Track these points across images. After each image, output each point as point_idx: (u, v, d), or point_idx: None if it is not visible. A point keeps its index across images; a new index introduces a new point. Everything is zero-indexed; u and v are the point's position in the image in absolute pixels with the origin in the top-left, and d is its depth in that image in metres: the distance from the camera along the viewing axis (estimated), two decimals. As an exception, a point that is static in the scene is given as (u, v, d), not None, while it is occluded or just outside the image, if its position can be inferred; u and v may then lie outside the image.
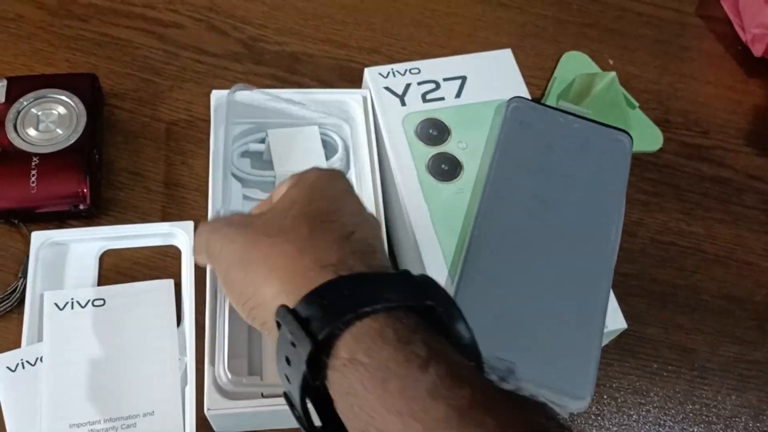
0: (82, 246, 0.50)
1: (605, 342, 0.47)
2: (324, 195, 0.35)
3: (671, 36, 0.69)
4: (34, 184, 0.49)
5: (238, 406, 0.41)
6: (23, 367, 0.45)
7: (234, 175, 0.51)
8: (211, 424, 0.43)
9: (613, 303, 0.45)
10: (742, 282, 0.57)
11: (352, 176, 0.51)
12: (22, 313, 0.47)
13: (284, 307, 0.30)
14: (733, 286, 0.56)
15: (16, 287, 0.48)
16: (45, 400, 0.44)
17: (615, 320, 0.45)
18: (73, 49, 0.59)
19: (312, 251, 0.32)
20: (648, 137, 0.61)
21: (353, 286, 0.30)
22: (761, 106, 0.66)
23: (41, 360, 0.45)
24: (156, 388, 0.45)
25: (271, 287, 0.31)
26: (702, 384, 0.53)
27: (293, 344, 0.29)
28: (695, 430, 0.51)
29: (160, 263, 0.50)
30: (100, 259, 0.50)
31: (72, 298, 0.47)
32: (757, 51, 0.67)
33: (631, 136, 0.50)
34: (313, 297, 0.29)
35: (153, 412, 0.45)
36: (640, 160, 0.60)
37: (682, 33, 0.69)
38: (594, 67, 0.64)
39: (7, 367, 0.45)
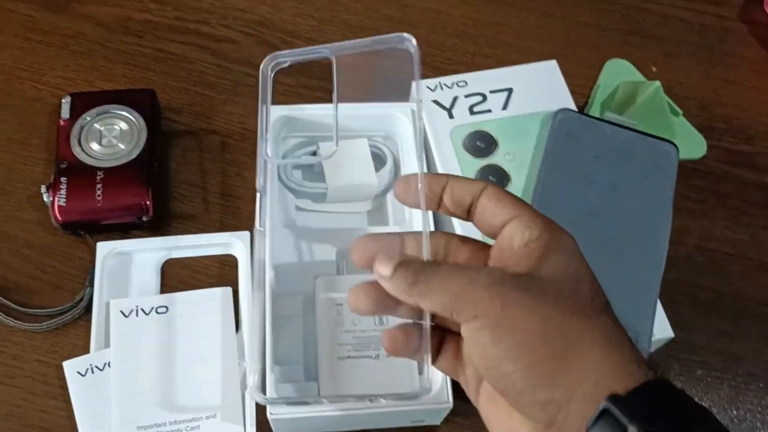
0: (145, 256, 0.52)
1: (652, 350, 0.48)
2: (593, 276, 0.33)
3: (714, 42, 0.69)
4: (99, 197, 0.52)
5: (299, 412, 0.43)
6: (92, 372, 0.48)
7: (287, 187, 0.53)
8: (272, 427, 0.45)
9: (660, 312, 0.46)
10: (788, 289, 0.57)
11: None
12: (89, 320, 0.50)
13: (615, 399, 0.27)
14: (779, 293, 0.57)
15: (83, 296, 0.51)
16: (114, 403, 0.47)
17: (662, 329, 0.46)
18: (130, 65, 0.62)
19: (622, 342, 0.30)
20: (692, 144, 0.62)
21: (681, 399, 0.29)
22: (806, 111, 0.66)
23: (109, 365, 0.48)
24: (217, 391, 0.48)
25: (586, 373, 0.29)
26: (747, 390, 0.53)
27: None
28: (741, 435, 0.52)
29: (218, 272, 0.53)
30: (162, 268, 0.52)
31: (136, 306, 0.50)
32: (802, 56, 0.67)
33: (677, 147, 0.51)
34: (645, 395, 0.28)
35: (215, 414, 0.47)
36: (684, 167, 0.61)
37: (725, 39, 0.70)
38: (637, 75, 0.65)
39: (78, 372, 0.48)
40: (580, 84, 0.64)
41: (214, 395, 0.47)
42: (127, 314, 0.50)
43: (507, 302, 0.30)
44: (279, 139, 0.53)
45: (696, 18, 0.70)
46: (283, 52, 0.41)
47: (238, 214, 0.55)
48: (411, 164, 0.52)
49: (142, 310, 0.50)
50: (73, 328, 0.50)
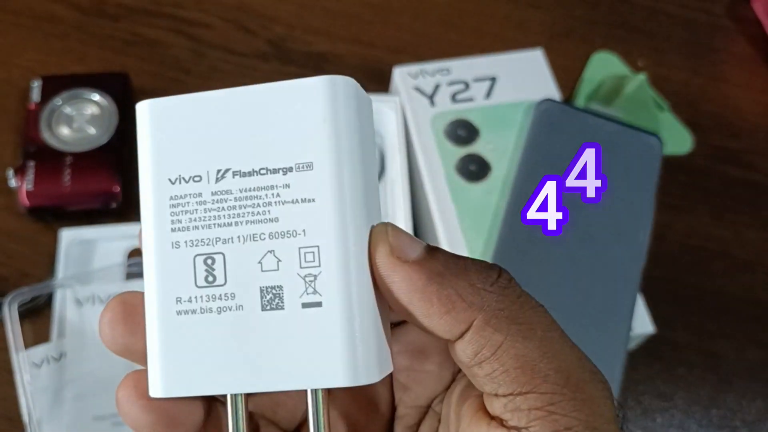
0: (111, 244, 0.51)
1: (632, 346, 0.47)
2: None
3: (702, 38, 0.68)
4: (67, 183, 0.50)
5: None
6: (48, 363, 0.46)
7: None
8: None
9: (640, 307, 0.45)
10: (771, 287, 0.56)
11: (386, 180, 0.51)
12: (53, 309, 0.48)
13: None
14: (761, 291, 0.56)
15: (48, 284, 0.49)
16: (68, 393, 0.45)
17: (642, 324, 0.45)
18: (104, 49, 0.60)
19: None
20: (677, 139, 0.61)
21: None
22: (792, 109, 0.65)
23: (65, 355, 0.46)
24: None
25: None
26: (727, 389, 0.52)
27: None
28: (722, 435, 0.51)
29: (189, 261, 0.51)
30: (129, 256, 0.51)
31: (93, 294, 0.48)
32: (789, 53, 0.66)
33: (661, 140, 0.49)
34: None
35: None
36: (668, 163, 0.59)
37: (713, 35, 0.69)
38: (623, 68, 0.64)
39: (33, 363, 0.46)
40: (566, 77, 0.63)
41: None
42: (83, 302, 0.48)
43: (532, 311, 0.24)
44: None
45: (684, 13, 0.70)
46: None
47: (211, 202, 0.54)
48: (394, 158, 0.51)
49: (99, 298, 0.48)
50: (38, 316, 0.49)
